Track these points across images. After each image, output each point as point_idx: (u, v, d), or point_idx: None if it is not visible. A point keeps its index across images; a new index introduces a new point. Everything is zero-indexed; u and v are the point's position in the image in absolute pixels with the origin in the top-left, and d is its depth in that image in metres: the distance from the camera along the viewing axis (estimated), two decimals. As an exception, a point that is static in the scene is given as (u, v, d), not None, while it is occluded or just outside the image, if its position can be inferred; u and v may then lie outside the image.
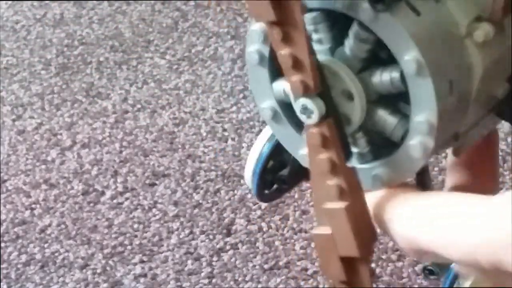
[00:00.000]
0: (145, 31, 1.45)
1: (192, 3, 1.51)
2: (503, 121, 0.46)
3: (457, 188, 0.46)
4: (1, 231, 1.07)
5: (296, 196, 1.07)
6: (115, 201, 1.10)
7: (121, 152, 1.19)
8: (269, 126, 0.46)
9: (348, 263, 0.40)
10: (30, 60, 1.42)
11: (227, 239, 1.03)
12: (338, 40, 0.42)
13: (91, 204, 1.10)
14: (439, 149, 0.42)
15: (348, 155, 0.41)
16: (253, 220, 1.05)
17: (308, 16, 0.41)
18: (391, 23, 0.39)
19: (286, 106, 0.43)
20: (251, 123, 1.21)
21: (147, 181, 1.13)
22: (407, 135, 0.41)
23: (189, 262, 1.01)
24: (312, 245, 0.99)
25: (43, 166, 1.17)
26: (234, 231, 1.04)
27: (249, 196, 1.08)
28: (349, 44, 0.41)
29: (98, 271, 1.01)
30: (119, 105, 1.29)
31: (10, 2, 1.59)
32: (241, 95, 1.27)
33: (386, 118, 0.41)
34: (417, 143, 0.40)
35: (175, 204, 1.09)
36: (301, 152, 0.43)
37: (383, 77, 0.41)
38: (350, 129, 0.42)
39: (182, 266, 1.01)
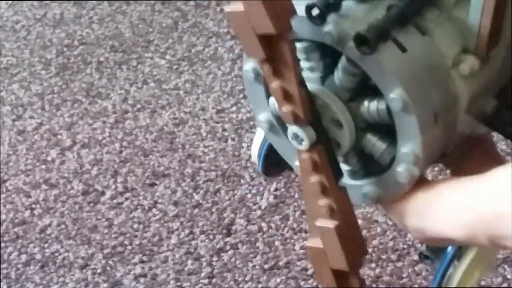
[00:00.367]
0: (145, 31, 1.45)
1: (192, 3, 1.51)
2: None
3: None
4: (1, 231, 1.07)
5: (296, 196, 1.07)
6: (115, 201, 1.10)
7: (121, 152, 1.19)
8: (267, 137, 0.47)
9: (339, 273, 0.42)
10: (30, 60, 1.42)
11: (227, 239, 1.03)
12: (329, 68, 0.43)
13: (91, 204, 1.10)
14: (428, 167, 0.44)
15: (339, 176, 0.42)
16: (253, 220, 1.05)
17: (299, 46, 0.42)
18: (376, 61, 0.39)
19: (280, 119, 0.44)
20: (251, 123, 1.21)
21: (147, 181, 1.13)
22: (395, 161, 0.42)
23: (189, 262, 1.01)
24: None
25: (43, 166, 1.17)
26: (234, 231, 1.04)
27: (249, 196, 1.08)
28: (338, 75, 0.42)
29: (98, 271, 1.01)
30: (119, 105, 1.29)
31: (10, 2, 1.59)
32: (241, 95, 1.27)
33: (374, 143, 0.43)
34: (403, 171, 0.41)
35: (175, 204, 1.09)
36: (297, 163, 0.45)
37: (371, 108, 0.42)
38: (341, 153, 0.43)
39: (182, 266, 1.01)
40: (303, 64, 0.43)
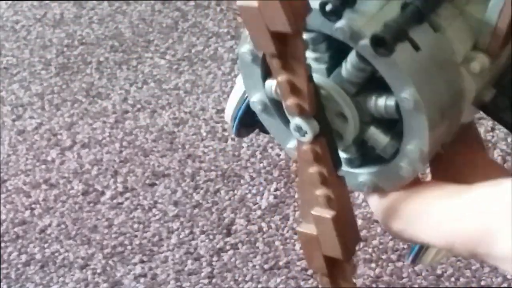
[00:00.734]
0: (145, 31, 1.45)
1: (192, 3, 1.51)
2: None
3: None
4: (1, 231, 1.07)
5: (296, 196, 1.07)
6: (115, 201, 1.10)
7: (121, 152, 1.19)
8: (260, 118, 0.46)
9: (331, 260, 0.41)
10: (30, 60, 1.42)
11: (227, 239, 1.03)
12: (335, 60, 0.42)
13: (91, 204, 1.10)
14: (429, 160, 0.44)
15: (338, 166, 0.42)
16: (253, 220, 1.05)
17: (307, 36, 0.42)
18: (391, 61, 0.39)
19: (275, 102, 0.44)
20: (251, 123, 1.21)
21: (147, 181, 1.13)
22: (398, 156, 0.42)
23: (189, 262, 1.01)
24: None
25: (43, 166, 1.18)
26: (234, 231, 1.04)
27: (249, 196, 1.08)
28: (346, 69, 0.41)
29: (98, 271, 1.01)
30: (119, 105, 1.29)
31: (10, 2, 1.59)
32: (241, 95, 1.27)
33: (378, 137, 0.42)
34: (407, 166, 0.41)
35: (175, 204, 1.09)
36: (289, 145, 0.44)
37: (378, 103, 0.41)
38: (342, 145, 0.43)
39: (182, 266, 1.01)
40: (309, 54, 0.43)
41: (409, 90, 0.39)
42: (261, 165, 1.12)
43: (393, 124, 0.42)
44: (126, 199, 1.10)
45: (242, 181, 1.10)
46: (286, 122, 0.44)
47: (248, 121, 0.52)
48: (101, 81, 1.34)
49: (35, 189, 1.13)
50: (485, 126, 1.13)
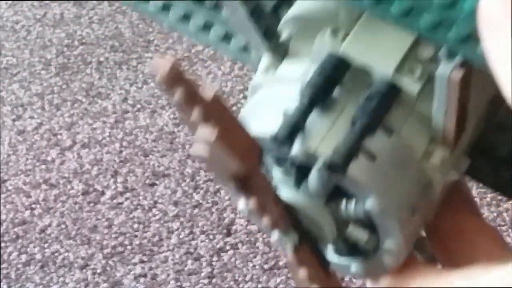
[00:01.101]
0: (145, 31, 1.45)
1: (192, 3, 1.51)
2: None
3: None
4: (1, 231, 1.07)
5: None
6: (115, 201, 1.10)
7: (121, 152, 1.19)
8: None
9: None
10: (30, 60, 1.42)
11: (227, 239, 1.03)
12: (303, 170, 0.42)
13: (91, 204, 1.10)
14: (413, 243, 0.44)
15: (326, 266, 0.42)
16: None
17: (269, 158, 0.42)
18: (347, 176, 0.39)
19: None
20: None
21: (147, 181, 1.13)
22: (379, 250, 0.42)
23: (189, 262, 1.01)
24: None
25: (43, 166, 1.17)
26: (234, 231, 1.04)
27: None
28: (311, 183, 0.41)
29: (98, 271, 1.01)
30: (119, 105, 1.29)
31: (10, 2, 1.59)
32: (241, 95, 1.27)
33: (357, 234, 0.42)
34: (389, 258, 0.42)
35: (175, 204, 1.09)
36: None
37: (348, 209, 0.41)
38: (324, 244, 0.43)
39: (182, 266, 1.01)
40: (276, 170, 0.42)
41: (371, 199, 0.40)
42: (261, 165, 1.12)
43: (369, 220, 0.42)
44: (126, 199, 1.10)
45: (242, 181, 1.10)
46: None
47: None
48: (101, 81, 1.34)
49: (35, 189, 1.13)
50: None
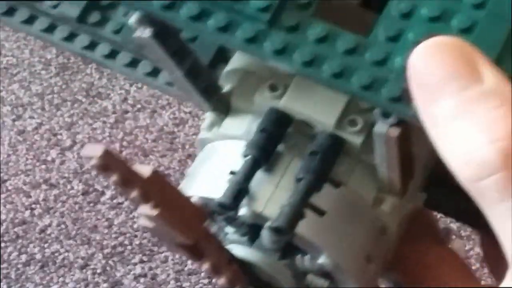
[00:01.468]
0: (145, 31, 1.45)
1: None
2: None
3: None
4: (1, 231, 1.07)
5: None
6: (115, 201, 1.10)
7: (121, 152, 1.19)
8: None
9: None
10: (30, 60, 1.42)
11: (227, 239, 1.03)
12: (254, 228, 0.42)
13: (91, 204, 1.10)
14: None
15: None
16: (253, 220, 1.05)
17: (221, 218, 0.42)
18: (297, 234, 0.39)
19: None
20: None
21: (147, 181, 1.13)
22: None
23: (189, 262, 1.01)
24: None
25: (43, 166, 1.17)
26: (234, 231, 1.04)
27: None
28: (264, 240, 0.41)
29: (98, 271, 1.01)
30: (119, 105, 1.29)
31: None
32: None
33: (317, 282, 0.42)
34: None
35: (175, 204, 1.08)
36: None
37: (304, 263, 0.41)
38: None
39: (182, 266, 1.00)
40: (229, 229, 0.42)
41: (324, 255, 0.39)
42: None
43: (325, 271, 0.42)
44: (126, 199, 1.10)
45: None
46: None
47: None
48: (101, 81, 1.34)
49: (35, 189, 1.13)
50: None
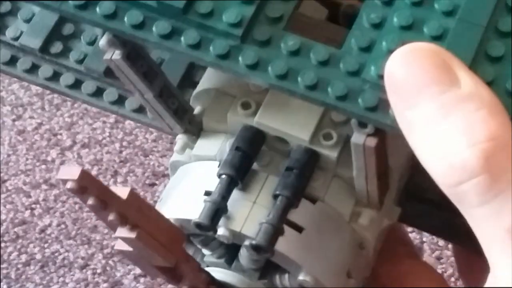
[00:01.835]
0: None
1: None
2: None
3: None
4: (1, 231, 1.07)
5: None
6: (115, 201, 1.10)
7: (121, 152, 1.19)
8: None
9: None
10: (30, 60, 1.42)
11: (227, 239, 1.03)
12: (233, 249, 0.42)
13: (91, 204, 1.10)
14: None
15: None
16: (253, 220, 1.05)
17: (197, 239, 0.42)
18: (276, 253, 0.39)
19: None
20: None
21: (147, 181, 1.13)
22: None
23: (189, 262, 1.01)
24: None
25: (43, 166, 1.17)
26: (234, 231, 1.04)
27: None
28: (243, 260, 0.41)
29: (98, 271, 1.01)
30: (119, 105, 1.29)
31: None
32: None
33: None
34: None
35: (175, 204, 1.09)
36: None
37: (283, 282, 0.41)
38: None
39: (182, 266, 1.01)
40: (206, 251, 0.42)
41: (303, 272, 0.39)
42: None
43: None
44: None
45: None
46: None
47: None
48: (101, 81, 1.34)
49: (35, 189, 1.13)
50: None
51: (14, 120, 1.29)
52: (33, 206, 1.11)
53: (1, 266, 1.02)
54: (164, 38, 0.36)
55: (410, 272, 0.45)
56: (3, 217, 1.09)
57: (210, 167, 0.41)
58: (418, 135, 0.31)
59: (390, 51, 0.33)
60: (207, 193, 0.40)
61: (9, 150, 1.22)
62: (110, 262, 1.02)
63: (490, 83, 0.33)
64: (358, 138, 0.36)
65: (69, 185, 0.34)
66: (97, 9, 0.36)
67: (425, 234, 0.97)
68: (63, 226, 1.07)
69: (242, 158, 0.40)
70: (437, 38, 0.34)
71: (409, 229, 0.48)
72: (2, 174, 1.16)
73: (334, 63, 0.35)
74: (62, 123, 1.27)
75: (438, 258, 1.00)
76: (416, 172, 0.44)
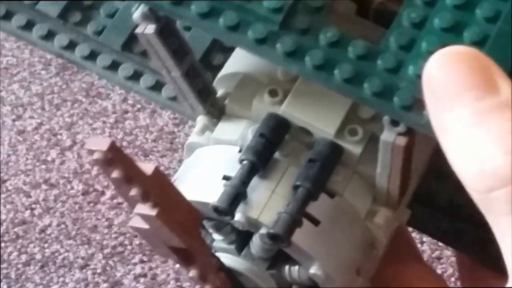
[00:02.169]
0: (145, 31, 1.45)
1: (192, 3, 1.51)
2: None
3: None
4: (1, 231, 1.07)
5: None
6: (115, 201, 1.10)
7: (121, 152, 1.19)
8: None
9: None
10: (30, 60, 1.42)
11: (227, 239, 1.03)
12: (244, 237, 0.41)
13: (91, 204, 1.10)
14: None
15: None
16: (253, 220, 1.05)
17: (209, 223, 0.41)
18: (292, 244, 0.38)
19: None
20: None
21: (147, 181, 1.13)
22: None
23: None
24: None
25: (43, 166, 1.17)
26: (234, 231, 1.04)
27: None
28: (254, 248, 0.41)
29: (98, 271, 1.01)
30: (119, 105, 1.29)
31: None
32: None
33: None
34: None
35: (175, 204, 1.08)
36: None
37: (292, 274, 0.41)
38: None
39: (182, 266, 1.01)
40: (216, 236, 0.42)
41: (316, 266, 0.39)
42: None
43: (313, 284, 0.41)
44: (124, 197, 1.10)
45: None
46: None
47: None
48: (101, 81, 1.34)
49: (35, 189, 1.13)
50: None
51: (14, 120, 1.29)
52: (33, 206, 1.11)
53: (1, 266, 1.02)
54: (202, 17, 0.35)
55: (416, 276, 0.45)
56: (3, 217, 1.09)
57: (230, 152, 0.41)
58: (451, 138, 0.31)
59: (430, 52, 0.32)
60: (226, 178, 0.40)
61: (9, 150, 1.22)
62: (110, 262, 1.02)
63: None
64: (388, 136, 0.36)
65: (96, 155, 0.33)
66: None
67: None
68: (63, 226, 1.07)
69: (265, 146, 0.39)
70: (477, 43, 0.34)
71: (409, 229, 0.48)
72: (2, 174, 1.16)
73: (372, 58, 0.35)
74: (62, 123, 1.27)
75: (438, 258, 1.00)
76: (427, 177, 0.44)
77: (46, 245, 1.05)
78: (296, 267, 0.41)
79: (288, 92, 0.40)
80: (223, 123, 0.43)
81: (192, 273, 0.37)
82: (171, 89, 0.47)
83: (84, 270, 1.01)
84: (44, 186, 1.14)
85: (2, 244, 1.05)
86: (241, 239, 0.42)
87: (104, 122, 1.25)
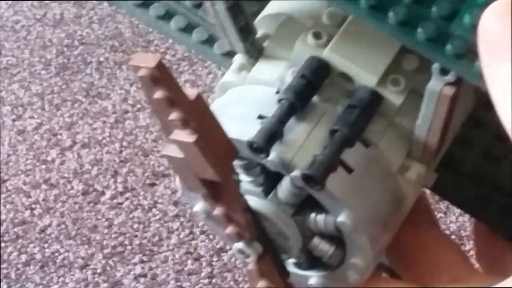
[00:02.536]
0: (145, 31, 1.45)
1: (192, 3, 1.51)
2: None
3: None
4: (1, 231, 1.07)
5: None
6: (115, 201, 1.10)
7: (121, 152, 1.19)
8: (206, 224, 0.45)
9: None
10: (30, 60, 1.42)
11: (227, 239, 1.03)
12: (272, 181, 0.41)
13: (91, 204, 1.10)
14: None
15: (285, 276, 0.41)
16: (253, 220, 1.05)
17: (239, 163, 0.41)
18: (325, 189, 0.38)
19: None
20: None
21: (147, 181, 1.13)
22: (344, 265, 0.41)
23: (189, 262, 1.01)
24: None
25: (43, 166, 1.17)
26: (234, 231, 1.04)
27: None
28: (281, 192, 0.40)
29: (98, 271, 1.01)
30: (119, 105, 1.29)
31: (10, 2, 1.59)
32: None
33: (322, 247, 0.41)
34: (353, 275, 0.41)
35: (175, 204, 1.09)
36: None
37: (317, 222, 0.40)
38: (287, 257, 0.42)
39: (182, 266, 1.00)
40: (244, 177, 0.41)
41: (345, 214, 0.38)
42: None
43: (337, 234, 0.41)
44: (126, 199, 1.10)
45: (242, 181, 1.10)
46: None
47: None
48: (101, 81, 1.34)
49: (35, 189, 1.13)
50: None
51: (14, 120, 1.29)
52: (33, 206, 1.11)
53: (1, 266, 1.02)
54: None
55: (435, 243, 0.45)
56: (3, 217, 1.09)
57: (267, 92, 0.40)
58: (502, 89, 0.30)
59: (487, 3, 0.32)
60: (261, 118, 0.39)
61: (9, 150, 1.22)
62: (110, 262, 1.02)
63: None
64: (435, 84, 0.35)
65: (142, 72, 0.31)
66: None
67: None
68: (63, 226, 1.07)
69: (306, 87, 0.39)
70: None
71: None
72: (2, 174, 1.16)
73: (427, 4, 0.34)
74: (62, 123, 1.27)
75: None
76: (454, 144, 0.44)
77: (46, 245, 1.05)
78: (323, 215, 0.40)
79: (332, 37, 0.40)
80: (261, 63, 0.42)
81: (218, 211, 0.37)
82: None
83: (84, 270, 1.01)
84: (44, 186, 1.14)
85: (2, 244, 1.05)
86: (269, 182, 0.41)
87: (104, 122, 1.25)
